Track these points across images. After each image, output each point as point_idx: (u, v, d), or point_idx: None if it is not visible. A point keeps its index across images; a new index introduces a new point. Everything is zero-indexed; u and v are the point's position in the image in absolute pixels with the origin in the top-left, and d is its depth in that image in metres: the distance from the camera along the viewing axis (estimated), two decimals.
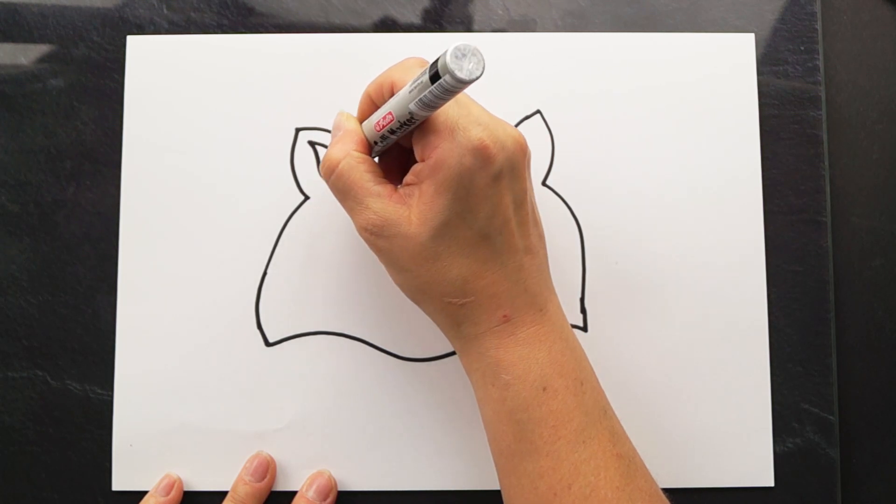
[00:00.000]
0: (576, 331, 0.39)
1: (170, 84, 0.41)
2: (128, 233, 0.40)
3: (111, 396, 0.39)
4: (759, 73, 0.41)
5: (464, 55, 0.27)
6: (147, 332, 0.40)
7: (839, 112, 0.42)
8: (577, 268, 0.40)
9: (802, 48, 0.41)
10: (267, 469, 0.38)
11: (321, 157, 0.40)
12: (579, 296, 0.40)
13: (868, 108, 0.42)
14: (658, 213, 0.40)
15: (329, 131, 0.40)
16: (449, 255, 0.31)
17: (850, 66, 0.42)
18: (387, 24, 0.41)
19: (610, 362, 0.39)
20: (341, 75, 0.41)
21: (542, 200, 0.40)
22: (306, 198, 0.40)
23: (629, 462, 0.32)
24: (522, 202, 0.32)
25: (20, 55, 0.41)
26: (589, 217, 0.40)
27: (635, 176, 0.40)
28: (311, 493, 0.38)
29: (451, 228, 0.31)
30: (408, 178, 0.32)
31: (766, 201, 0.40)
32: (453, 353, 0.39)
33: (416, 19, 0.41)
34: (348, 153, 0.32)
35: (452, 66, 0.26)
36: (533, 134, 0.40)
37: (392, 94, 0.32)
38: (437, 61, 0.27)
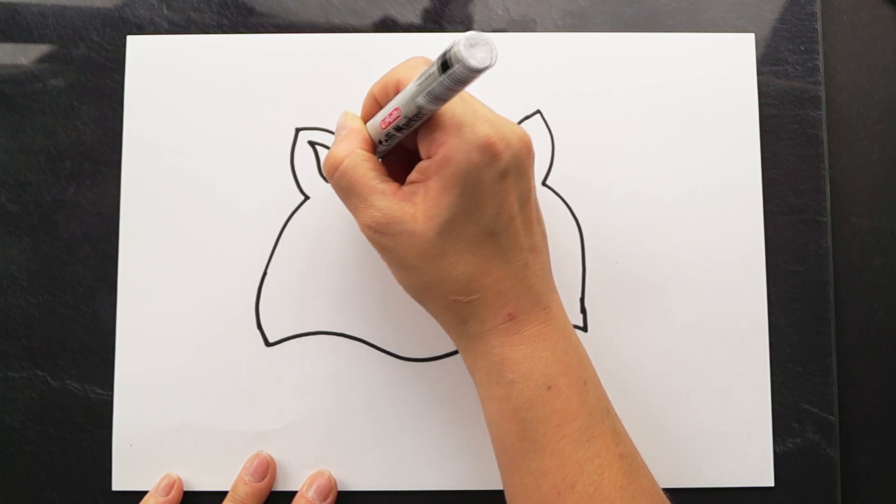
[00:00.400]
0: (576, 331, 0.39)
1: (170, 84, 0.41)
2: (128, 233, 0.40)
3: (111, 396, 0.39)
4: (759, 73, 0.41)
5: (475, 44, 0.26)
6: (147, 332, 0.40)
7: (839, 112, 0.42)
8: (577, 268, 0.40)
9: (802, 48, 0.41)
10: (267, 469, 0.38)
11: (321, 157, 0.40)
12: (579, 296, 0.40)
13: (868, 108, 0.42)
14: (658, 213, 0.40)
15: (329, 131, 0.40)
16: (455, 252, 0.31)
17: (850, 66, 0.42)
18: (387, 24, 0.41)
19: (610, 362, 0.39)
20: (341, 75, 0.41)
21: (543, 200, 0.40)
22: (306, 198, 0.40)
23: (631, 461, 0.32)
24: (527, 200, 0.32)
25: (20, 55, 0.41)
26: (589, 217, 0.40)
27: (635, 176, 0.40)
28: (311, 493, 0.38)
29: (458, 225, 0.30)
30: (412, 175, 0.32)
31: (766, 201, 0.40)
32: (453, 353, 0.39)
33: (416, 19, 0.41)
34: (353, 151, 0.32)
35: (465, 54, 0.26)
36: (533, 134, 0.40)
37: (397, 93, 0.32)
38: (447, 51, 0.27)
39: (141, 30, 0.41)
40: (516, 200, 0.32)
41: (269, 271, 0.40)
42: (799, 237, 0.40)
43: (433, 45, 0.41)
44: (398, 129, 0.32)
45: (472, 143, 0.30)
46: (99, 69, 0.41)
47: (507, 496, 0.33)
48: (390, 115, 0.31)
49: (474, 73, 0.27)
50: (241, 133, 0.40)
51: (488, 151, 0.30)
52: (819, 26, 0.41)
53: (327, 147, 0.40)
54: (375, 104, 0.34)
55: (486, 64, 0.26)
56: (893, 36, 0.43)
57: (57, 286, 0.40)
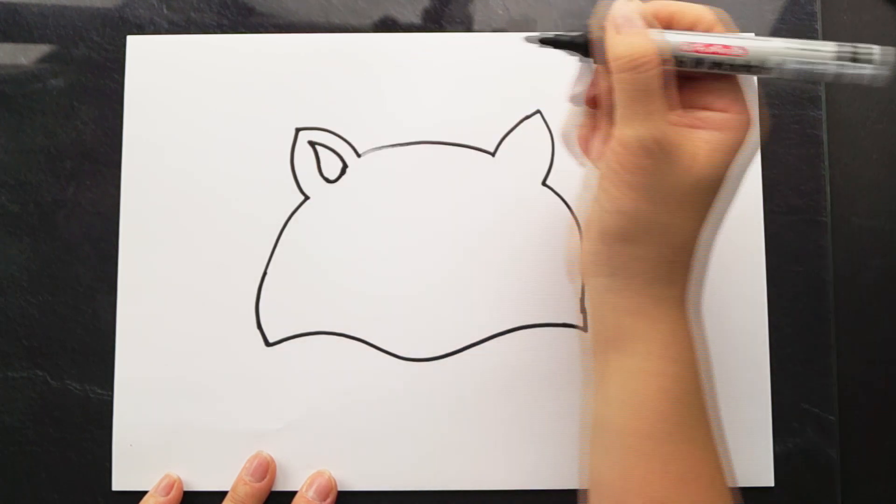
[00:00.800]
0: (576, 331, 0.39)
1: (170, 84, 0.41)
2: (128, 233, 0.40)
3: (111, 396, 0.39)
4: None
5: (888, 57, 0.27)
6: (147, 331, 0.40)
7: (839, 112, 0.42)
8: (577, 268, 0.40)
9: None
10: (267, 469, 0.38)
11: (321, 157, 0.40)
12: (579, 296, 0.40)
13: (868, 108, 0.42)
14: None
15: (329, 131, 0.40)
16: (698, 208, 0.30)
17: None
18: (387, 24, 0.41)
19: None
20: (341, 75, 0.41)
21: (543, 200, 0.40)
22: (306, 198, 0.40)
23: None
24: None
25: (20, 55, 0.41)
26: None
27: None
28: (311, 493, 0.38)
29: (717, 186, 0.30)
30: (699, 116, 0.30)
31: (766, 201, 0.40)
32: (453, 354, 0.39)
33: (416, 19, 0.41)
34: (658, 53, 0.28)
35: (882, 59, 0.27)
36: (533, 134, 0.40)
37: (691, 28, 0.30)
38: (866, 50, 0.28)
39: (141, 30, 0.41)
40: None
41: (269, 271, 0.40)
42: (799, 237, 0.40)
43: (433, 45, 0.41)
44: (716, 64, 0.30)
45: (751, 122, 0.30)
46: (99, 69, 0.41)
47: (614, 480, 0.31)
48: (726, 47, 0.29)
49: (873, 81, 0.27)
50: (241, 133, 0.40)
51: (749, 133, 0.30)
52: (819, 26, 0.41)
53: (327, 147, 0.40)
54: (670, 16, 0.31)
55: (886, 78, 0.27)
56: (893, 36, 0.43)
57: (57, 286, 0.40)
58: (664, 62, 0.29)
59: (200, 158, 0.40)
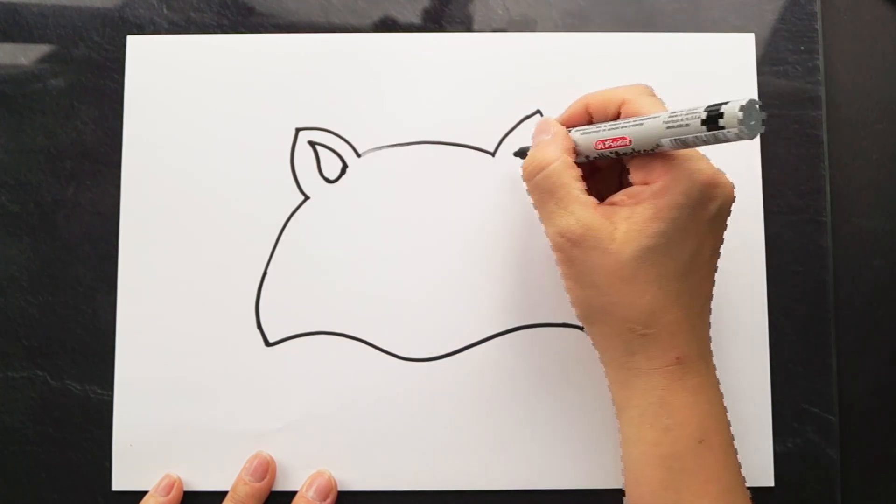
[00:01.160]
0: (576, 331, 0.39)
1: (170, 84, 0.41)
2: (128, 233, 0.40)
3: (111, 396, 0.39)
4: (759, 73, 0.41)
5: (752, 111, 0.27)
6: (147, 331, 0.40)
7: (839, 112, 0.42)
8: None
9: (802, 48, 0.41)
10: (267, 469, 0.38)
11: (321, 157, 0.40)
12: None
13: (868, 108, 0.42)
14: None
15: (329, 131, 0.40)
16: (644, 281, 0.30)
17: (850, 66, 0.42)
18: (387, 24, 0.41)
19: None
20: (341, 75, 0.41)
21: None
22: (306, 198, 0.40)
23: None
24: (717, 251, 0.33)
25: (20, 55, 0.41)
26: None
27: None
28: (310, 494, 0.38)
29: (656, 255, 0.30)
30: (616, 197, 0.32)
31: (766, 201, 0.40)
32: (453, 354, 0.39)
33: (416, 19, 0.41)
34: (560, 157, 0.32)
35: (742, 121, 0.27)
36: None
37: (617, 115, 0.32)
38: (717, 110, 0.27)
39: (141, 30, 0.41)
40: (711, 247, 0.32)
41: (269, 271, 0.40)
42: (799, 237, 0.40)
43: (433, 45, 0.41)
44: (617, 154, 0.32)
45: (696, 180, 0.30)
46: (99, 69, 0.41)
47: None
48: (614, 140, 0.31)
49: (742, 140, 0.27)
50: (241, 133, 0.40)
51: (707, 191, 0.30)
52: (819, 26, 0.41)
53: (327, 147, 0.40)
54: (585, 115, 0.34)
55: (756, 134, 0.27)
56: (893, 36, 0.43)
57: (57, 286, 0.40)
58: (567, 162, 0.32)
59: (200, 158, 0.40)
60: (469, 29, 0.41)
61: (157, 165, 0.40)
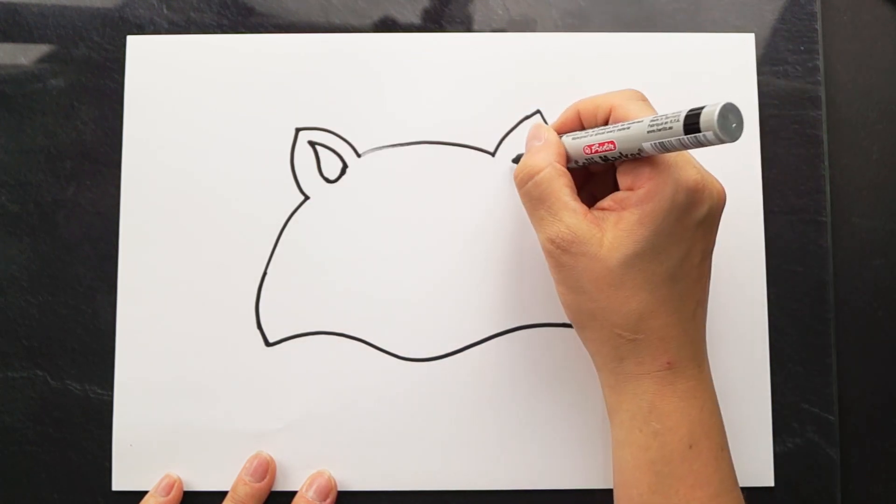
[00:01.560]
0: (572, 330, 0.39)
1: (170, 84, 0.41)
2: (128, 233, 0.40)
3: (111, 396, 0.39)
4: (759, 73, 0.41)
5: (728, 113, 0.27)
6: (147, 331, 0.40)
7: (839, 112, 0.42)
8: None
9: (802, 48, 0.41)
10: (267, 469, 0.38)
11: (321, 157, 0.40)
12: None
13: (868, 108, 0.42)
14: None
15: (329, 131, 0.40)
16: (632, 287, 0.31)
17: (850, 66, 0.42)
18: (387, 24, 0.41)
19: None
20: (341, 75, 0.41)
21: None
22: (306, 198, 0.40)
23: None
24: (709, 254, 0.33)
25: (20, 55, 0.41)
26: None
27: None
28: (310, 494, 0.38)
29: (643, 261, 0.30)
30: (604, 202, 0.32)
31: (766, 201, 0.40)
32: (452, 354, 0.39)
33: (416, 19, 0.41)
34: (550, 163, 0.33)
35: (719, 124, 0.27)
36: None
37: (607, 120, 0.33)
38: (696, 114, 0.27)
39: (141, 30, 0.41)
40: (701, 251, 0.32)
41: (269, 271, 0.40)
42: (799, 237, 0.40)
43: (433, 45, 0.41)
44: (605, 159, 0.32)
45: (681, 185, 0.30)
46: (99, 69, 0.41)
47: None
48: (601, 144, 0.32)
49: (720, 143, 0.27)
50: (241, 133, 0.40)
51: (694, 196, 0.30)
52: (819, 26, 0.41)
53: (327, 147, 0.40)
54: (577, 121, 0.34)
55: (736, 137, 0.27)
56: (893, 36, 0.43)
57: (57, 286, 0.40)
58: (558, 169, 0.32)
59: (200, 158, 0.40)
60: (469, 29, 0.41)
61: (157, 165, 0.40)
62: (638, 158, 0.31)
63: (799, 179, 0.40)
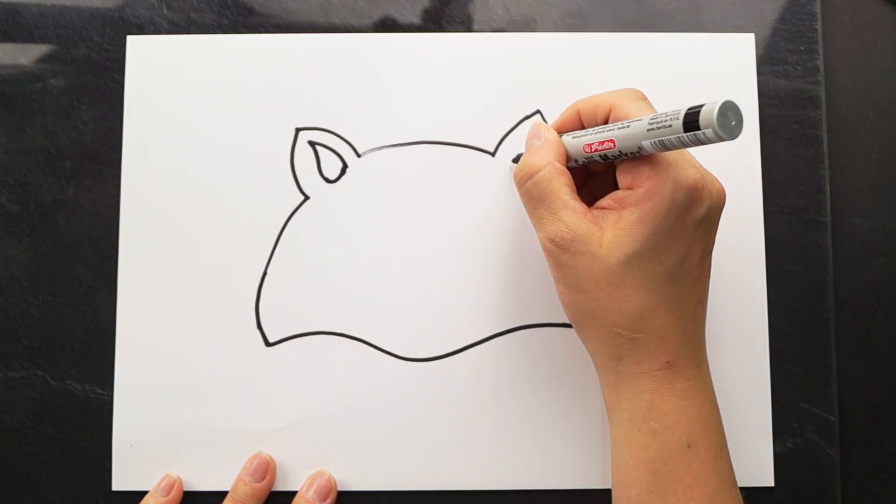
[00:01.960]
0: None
1: (170, 84, 0.41)
2: (128, 233, 0.40)
3: (111, 396, 0.39)
4: (759, 73, 0.41)
5: (727, 111, 0.27)
6: (147, 331, 0.40)
7: (839, 112, 0.42)
8: None
9: (802, 48, 0.41)
10: (267, 469, 0.38)
11: (321, 157, 0.40)
12: None
13: (868, 108, 0.42)
14: None
15: (329, 131, 0.40)
16: (632, 286, 0.31)
17: (850, 66, 0.42)
18: (387, 24, 0.41)
19: None
20: (341, 75, 0.41)
21: None
22: (306, 198, 0.40)
23: None
24: (708, 254, 0.33)
25: (20, 55, 0.41)
26: None
27: None
28: (310, 494, 0.38)
29: (642, 260, 0.30)
30: (604, 202, 0.32)
31: (766, 201, 0.40)
32: (452, 354, 0.39)
33: (416, 19, 0.41)
34: (550, 162, 0.33)
35: (719, 122, 0.27)
36: None
37: (607, 120, 0.33)
38: (696, 111, 0.27)
39: (141, 30, 0.41)
40: (700, 251, 0.32)
41: (269, 271, 0.40)
42: (799, 237, 0.40)
43: (433, 45, 0.41)
44: (604, 157, 0.32)
45: (680, 184, 0.30)
46: (99, 69, 0.41)
47: None
48: (601, 143, 0.32)
49: (720, 141, 0.27)
50: (241, 133, 0.40)
51: (693, 195, 0.30)
52: (819, 26, 0.41)
53: (327, 147, 0.40)
54: (577, 120, 0.34)
55: (735, 135, 0.27)
56: (893, 36, 0.43)
57: (57, 286, 0.40)
58: (557, 168, 0.32)
59: (200, 158, 0.40)
60: (469, 29, 0.41)
61: (157, 165, 0.40)
62: (638, 157, 0.31)
63: (799, 179, 0.40)
